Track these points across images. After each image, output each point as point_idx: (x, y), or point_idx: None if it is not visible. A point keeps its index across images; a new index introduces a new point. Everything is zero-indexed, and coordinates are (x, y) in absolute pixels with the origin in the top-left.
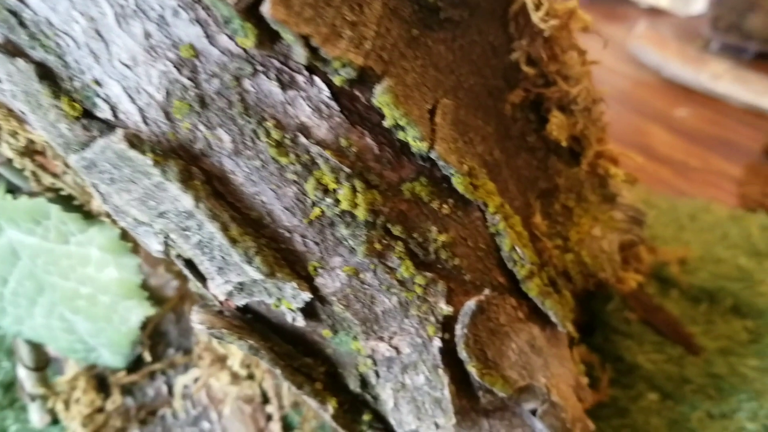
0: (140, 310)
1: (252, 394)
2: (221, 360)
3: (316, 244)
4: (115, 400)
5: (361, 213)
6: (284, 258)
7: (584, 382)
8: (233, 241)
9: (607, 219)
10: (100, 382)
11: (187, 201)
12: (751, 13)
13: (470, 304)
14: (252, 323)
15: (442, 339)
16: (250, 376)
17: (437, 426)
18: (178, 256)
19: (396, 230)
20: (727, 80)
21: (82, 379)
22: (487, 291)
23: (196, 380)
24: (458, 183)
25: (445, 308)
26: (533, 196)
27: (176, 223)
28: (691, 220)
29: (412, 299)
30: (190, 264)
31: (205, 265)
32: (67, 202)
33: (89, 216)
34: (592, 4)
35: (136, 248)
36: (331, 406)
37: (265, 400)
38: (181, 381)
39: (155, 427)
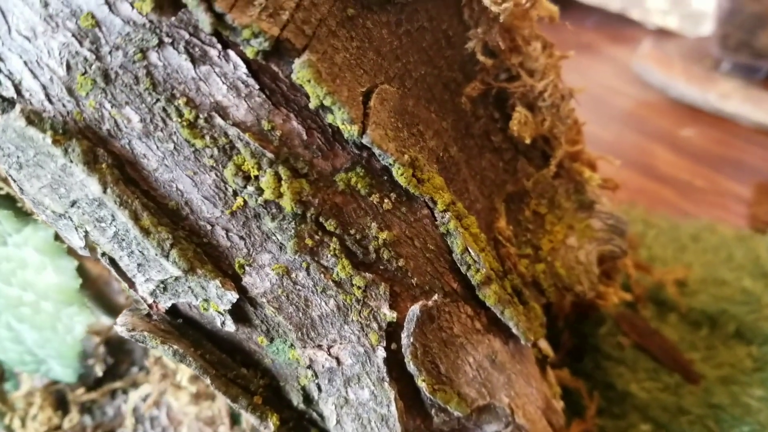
0: (82, 317)
1: (212, 416)
2: (171, 375)
3: (242, 238)
4: (73, 418)
5: (287, 204)
6: (207, 254)
7: (557, 406)
8: (146, 233)
9: (584, 228)
10: (60, 399)
11: (94, 186)
12: (762, 30)
13: (415, 308)
14: (183, 329)
15: (388, 349)
16: (211, 396)
17: None
18: (103, 254)
19: (330, 225)
20: (737, 100)
21: (38, 395)
22: (436, 296)
23: (146, 397)
24: (399, 174)
25: (388, 314)
26: (499, 200)
27: (89, 214)
28: (693, 241)
29: (351, 303)
30: (114, 263)
31: (125, 262)
32: (2, 200)
33: (22, 214)
34: (599, 26)
35: (72, 250)
36: (272, 422)
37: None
38: (132, 397)
39: None
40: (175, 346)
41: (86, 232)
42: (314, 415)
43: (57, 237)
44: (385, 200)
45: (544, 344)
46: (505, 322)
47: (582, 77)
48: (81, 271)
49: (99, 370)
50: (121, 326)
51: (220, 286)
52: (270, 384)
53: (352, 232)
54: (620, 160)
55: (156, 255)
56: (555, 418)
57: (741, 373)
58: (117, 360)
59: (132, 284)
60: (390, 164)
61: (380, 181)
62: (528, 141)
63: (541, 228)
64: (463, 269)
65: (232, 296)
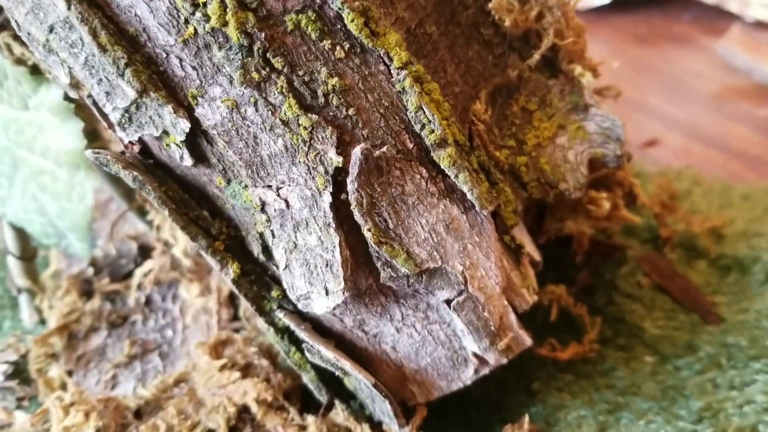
0: (89, 183)
1: (212, 306)
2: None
3: (194, 69)
4: (94, 303)
5: (233, 33)
6: (164, 83)
7: (526, 294)
8: (103, 49)
9: (576, 129)
10: (86, 288)
11: (61, 5)
12: None
13: (357, 151)
14: (151, 168)
15: (336, 195)
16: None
17: (327, 291)
18: (89, 96)
19: (277, 62)
20: None
21: (66, 279)
22: (385, 148)
23: (148, 273)
24: (350, 21)
25: (335, 158)
26: (484, 91)
27: (64, 39)
28: (743, 200)
29: (298, 144)
30: (95, 104)
31: (95, 91)
32: (19, 61)
33: (37, 72)
34: (696, 19)
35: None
36: (233, 270)
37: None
38: (137, 273)
39: (123, 331)
40: (136, 173)
41: (69, 67)
42: (274, 269)
43: (66, 97)
44: (337, 48)
45: (530, 248)
46: (459, 186)
47: (668, 64)
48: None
49: (128, 267)
50: (90, 151)
51: (173, 112)
52: (235, 236)
53: (301, 73)
54: (689, 135)
55: (112, 74)
56: (518, 300)
57: (767, 319)
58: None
59: (110, 123)
60: (339, 8)
61: (333, 29)
62: (508, 24)
63: (528, 124)
64: (417, 128)
65: (185, 125)
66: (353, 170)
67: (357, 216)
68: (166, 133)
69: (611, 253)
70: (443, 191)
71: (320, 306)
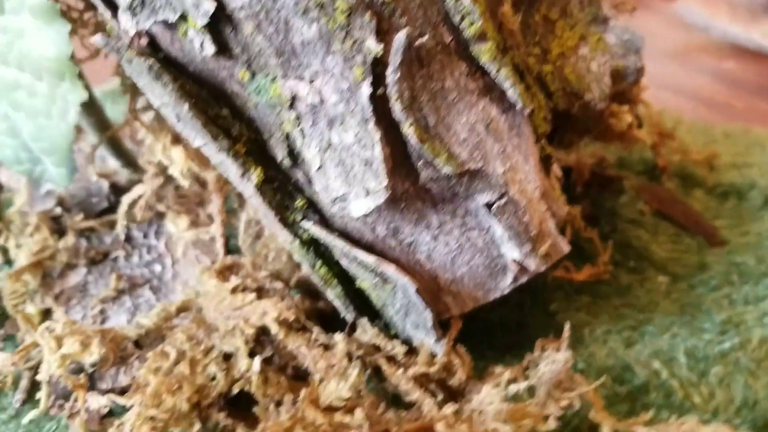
0: (75, 95)
1: (208, 240)
2: (163, 170)
3: None
4: (68, 240)
5: None
6: None
7: (558, 195)
8: None
9: (597, 41)
10: (57, 226)
11: None
12: None
13: (400, 36)
14: (163, 62)
15: (374, 85)
16: (209, 218)
17: (367, 192)
18: None
19: None
20: None
21: (35, 216)
22: (426, 37)
23: (139, 198)
24: None
25: (374, 46)
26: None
27: None
28: (725, 137)
29: (334, 30)
30: None
31: None
32: None
33: None
34: None
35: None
36: (256, 175)
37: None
38: (125, 200)
39: (104, 268)
40: (152, 61)
41: None
42: (300, 177)
43: None
44: None
45: (542, 124)
46: (499, 83)
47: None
48: None
49: (101, 206)
50: (97, 38)
51: None
52: (255, 139)
53: None
54: (656, 86)
55: None
56: (555, 206)
57: None
58: (119, 200)
59: (114, 8)
60: None
61: None
62: None
63: (551, 33)
64: (456, 20)
65: (209, 5)
66: (394, 59)
67: (397, 110)
68: (184, 18)
69: (609, 184)
70: (482, 89)
71: (359, 208)
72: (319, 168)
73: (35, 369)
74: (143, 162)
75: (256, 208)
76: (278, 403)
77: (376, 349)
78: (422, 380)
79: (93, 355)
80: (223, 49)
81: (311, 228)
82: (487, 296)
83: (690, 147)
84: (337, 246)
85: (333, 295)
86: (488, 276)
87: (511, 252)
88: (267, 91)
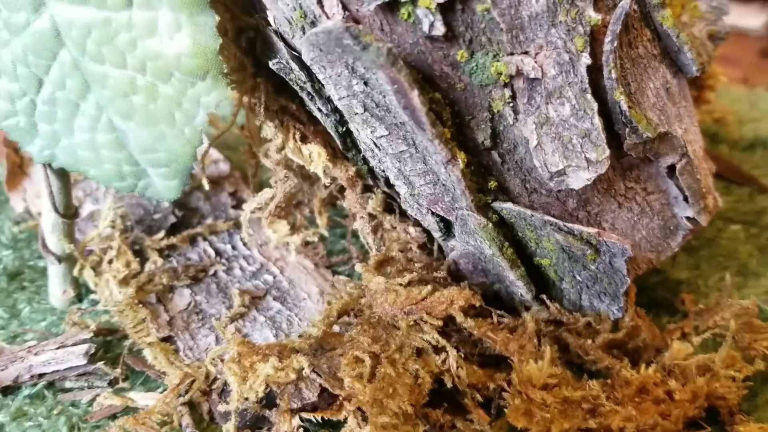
0: (213, 96)
1: (315, 243)
2: (294, 170)
3: None
4: (156, 261)
5: None
6: None
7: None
8: None
9: (693, 8)
10: (134, 251)
11: None
12: None
13: (624, 4)
14: None
15: (591, 55)
16: (313, 226)
17: (588, 162)
18: None
19: None
20: None
21: (116, 238)
22: (632, 4)
23: (269, 201)
24: None
25: (593, 16)
26: None
27: None
28: (731, 96)
29: (561, 0)
30: None
31: None
32: None
33: None
34: None
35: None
36: (461, 159)
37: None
38: (248, 207)
39: (209, 284)
40: (389, 45)
41: None
42: (495, 157)
43: None
44: None
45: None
46: (678, 46)
47: None
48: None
49: (168, 221)
50: (335, 23)
51: None
52: (454, 122)
53: None
54: None
55: None
56: (710, 165)
57: None
58: (185, 215)
59: (320, 1)
60: None
61: None
62: None
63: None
64: None
65: None
66: (614, 27)
67: (611, 79)
68: None
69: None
70: (660, 55)
71: (580, 180)
72: (537, 145)
73: (188, 403)
74: (269, 164)
75: (445, 193)
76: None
77: (559, 323)
78: (607, 348)
79: (291, 374)
80: (448, 27)
81: (508, 208)
82: (660, 257)
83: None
84: (548, 221)
85: (516, 275)
86: (662, 237)
87: (685, 211)
88: (484, 70)
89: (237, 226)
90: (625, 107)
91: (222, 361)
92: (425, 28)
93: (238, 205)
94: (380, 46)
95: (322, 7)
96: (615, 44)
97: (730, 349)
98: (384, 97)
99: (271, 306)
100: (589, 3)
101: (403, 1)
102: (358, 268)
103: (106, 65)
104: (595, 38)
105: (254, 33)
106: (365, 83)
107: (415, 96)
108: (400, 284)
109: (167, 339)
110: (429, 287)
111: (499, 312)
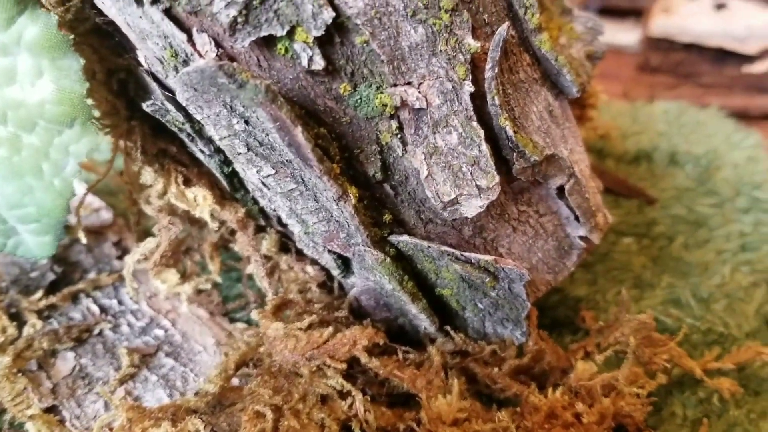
0: (82, 144)
1: (209, 291)
2: (179, 216)
3: None
4: (35, 324)
5: None
6: None
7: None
8: None
9: (570, 30)
10: (10, 315)
11: None
12: None
13: (502, 30)
14: None
15: (473, 83)
16: (205, 272)
17: (480, 189)
18: (154, 0)
19: None
20: None
21: None
22: (507, 23)
23: (153, 251)
24: None
25: (472, 43)
26: None
27: None
28: (612, 111)
29: (440, 29)
30: (170, 15)
31: None
32: None
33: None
34: None
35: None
36: (353, 195)
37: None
38: (131, 259)
39: (94, 345)
40: (267, 82)
41: None
42: (387, 189)
43: (64, 27)
44: None
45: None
46: (557, 68)
47: None
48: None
49: (47, 279)
50: (210, 61)
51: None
52: (342, 156)
53: None
54: None
55: None
56: (596, 182)
57: (686, 191)
58: (65, 271)
59: (189, 36)
60: None
61: None
62: None
63: None
64: (521, 12)
65: (329, 14)
66: (494, 54)
67: (494, 105)
68: (291, 31)
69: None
70: (540, 78)
71: (472, 208)
72: (428, 175)
73: None
74: (150, 211)
75: (340, 230)
76: None
77: (465, 354)
78: (514, 374)
79: None
80: (327, 61)
81: (405, 241)
82: (557, 278)
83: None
84: (445, 251)
85: (419, 308)
86: (558, 258)
87: (578, 230)
88: (369, 103)
89: (123, 278)
90: (510, 132)
91: (111, 430)
92: (304, 62)
93: (124, 255)
94: (258, 84)
95: (193, 45)
96: (496, 71)
97: (632, 365)
98: (267, 135)
99: (163, 363)
100: (468, 31)
101: (279, 36)
102: (255, 314)
103: None
104: (476, 65)
105: (126, 74)
106: (246, 122)
107: (299, 133)
108: (300, 328)
109: (51, 409)
110: (330, 329)
111: (404, 348)
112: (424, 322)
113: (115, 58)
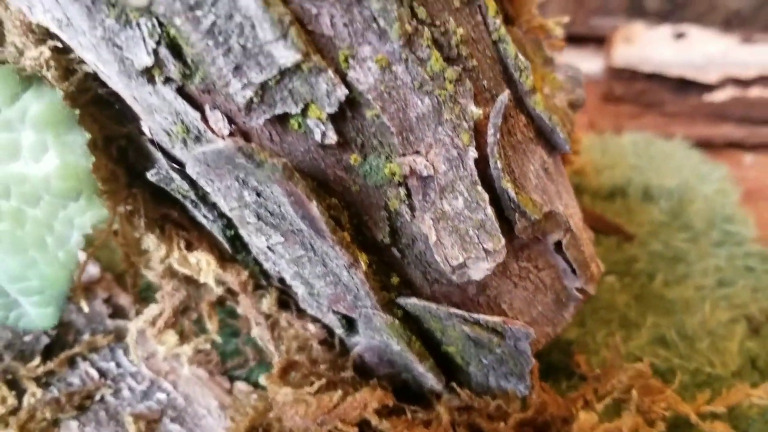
0: (88, 216)
1: (208, 350)
2: (187, 281)
3: (345, 26)
4: (35, 392)
5: None
6: (313, 45)
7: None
8: (266, 4)
9: (552, 80)
10: (7, 382)
11: None
12: None
13: (503, 98)
14: None
15: (476, 149)
16: (202, 330)
17: (487, 252)
18: (167, 79)
19: (421, 12)
20: None
21: None
22: (507, 92)
23: (156, 318)
24: None
25: (475, 111)
26: None
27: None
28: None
29: (445, 99)
30: (183, 93)
31: (218, 64)
32: None
33: (23, 75)
34: None
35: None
36: (363, 261)
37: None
38: (134, 326)
39: (97, 412)
40: (284, 160)
41: (170, 39)
42: (394, 253)
43: (66, 98)
44: None
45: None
46: (551, 127)
47: None
48: (96, 148)
49: (41, 343)
50: (228, 141)
51: (333, 77)
52: (352, 222)
53: (437, 23)
54: None
55: (270, 37)
56: (587, 234)
57: (661, 226)
58: (58, 333)
59: (202, 113)
60: None
61: None
62: None
63: None
64: (515, 75)
65: (342, 92)
66: (495, 120)
67: (497, 168)
68: (305, 108)
69: None
70: (535, 137)
71: (480, 270)
72: (436, 240)
73: None
74: (153, 277)
75: (347, 292)
76: None
77: (470, 409)
78: (519, 427)
79: None
80: (339, 134)
81: (413, 304)
82: (556, 330)
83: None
84: (454, 313)
85: (426, 367)
86: (556, 310)
87: (574, 282)
88: (378, 172)
89: (118, 339)
90: (513, 194)
91: None
92: (317, 137)
93: (116, 313)
94: (275, 163)
95: (206, 122)
96: (497, 136)
97: (634, 415)
98: (279, 207)
99: (168, 429)
100: (470, 99)
101: (293, 114)
102: (262, 380)
103: None
104: (478, 131)
105: (125, 141)
106: (258, 194)
107: (314, 207)
108: (309, 393)
109: None
110: (339, 392)
111: (412, 408)
112: (431, 381)
113: (115, 125)
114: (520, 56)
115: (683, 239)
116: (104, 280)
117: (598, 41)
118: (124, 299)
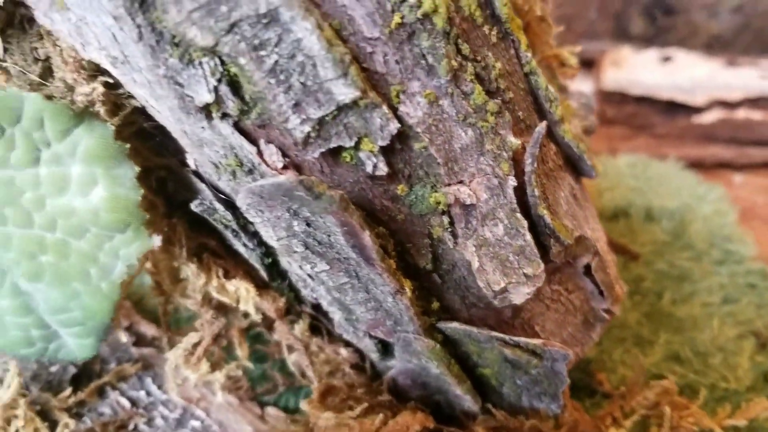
0: (134, 247)
1: (238, 376)
2: (225, 309)
3: (397, 63)
4: (68, 423)
5: (440, 19)
6: (369, 82)
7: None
8: (329, 44)
9: (567, 106)
10: (38, 414)
11: None
12: None
13: (540, 128)
14: None
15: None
16: (230, 356)
17: (527, 277)
18: (224, 115)
19: (464, 48)
20: None
21: (20, 405)
22: (544, 123)
23: (196, 345)
24: (501, 5)
25: (514, 141)
26: None
27: (249, 39)
28: None
29: (487, 131)
30: (239, 128)
31: (278, 101)
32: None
33: (74, 111)
34: None
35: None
36: (408, 288)
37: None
38: (173, 355)
39: None
40: (341, 193)
41: (227, 74)
42: (435, 279)
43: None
44: (492, 32)
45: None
46: (578, 154)
47: None
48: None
49: (68, 373)
50: (289, 177)
51: (387, 112)
52: (395, 250)
53: (479, 58)
54: None
55: (331, 75)
56: (612, 257)
57: (664, 245)
58: (85, 363)
59: (257, 147)
60: None
61: (486, 13)
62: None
63: None
64: (546, 105)
65: (394, 125)
66: (533, 149)
67: (533, 196)
68: (358, 142)
69: None
70: (563, 164)
71: (521, 295)
72: (479, 266)
73: None
74: (194, 305)
75: (387, 318)
76: None
77: (505, 430)
78: None
79: None
80: (389, 165)
81: (454, 328)
82: (584, 350)
83: None
84: (495, 336)
85: (464, 390)
86: (584, 331)
87: (602, 303)
88: (423, 201)
89: (145, 367)
90: (548, 220)
91: None
92: (369, 169)
93: (139, 341)
94: (333, 195)
95: (261, 155)
96: (535, 165)
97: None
98: (329, 236)
99: None
100: (509, 130)
101: (346, 147)
102: (304, 405)
103: (9, 226)
104: (515, 160)
105: (165, 173)
106: (308, 224)
107: (366, 236)
108: (351, 417)
109: None
110: (381, 416)
111: (450, 429)
112: (468, 402)
113: (155, 156)
114: (550, 87)
115: (686, 258)
116: (122, 308)
117: (586, 65)
118: (144, 327)
